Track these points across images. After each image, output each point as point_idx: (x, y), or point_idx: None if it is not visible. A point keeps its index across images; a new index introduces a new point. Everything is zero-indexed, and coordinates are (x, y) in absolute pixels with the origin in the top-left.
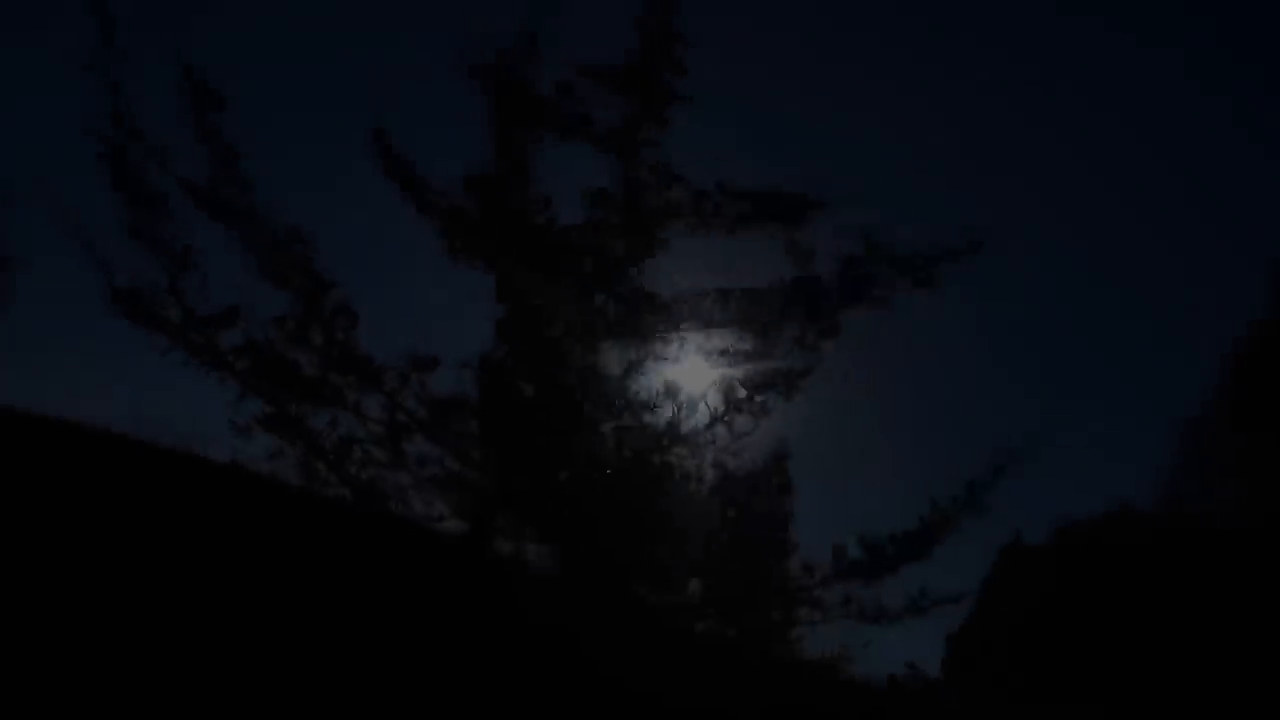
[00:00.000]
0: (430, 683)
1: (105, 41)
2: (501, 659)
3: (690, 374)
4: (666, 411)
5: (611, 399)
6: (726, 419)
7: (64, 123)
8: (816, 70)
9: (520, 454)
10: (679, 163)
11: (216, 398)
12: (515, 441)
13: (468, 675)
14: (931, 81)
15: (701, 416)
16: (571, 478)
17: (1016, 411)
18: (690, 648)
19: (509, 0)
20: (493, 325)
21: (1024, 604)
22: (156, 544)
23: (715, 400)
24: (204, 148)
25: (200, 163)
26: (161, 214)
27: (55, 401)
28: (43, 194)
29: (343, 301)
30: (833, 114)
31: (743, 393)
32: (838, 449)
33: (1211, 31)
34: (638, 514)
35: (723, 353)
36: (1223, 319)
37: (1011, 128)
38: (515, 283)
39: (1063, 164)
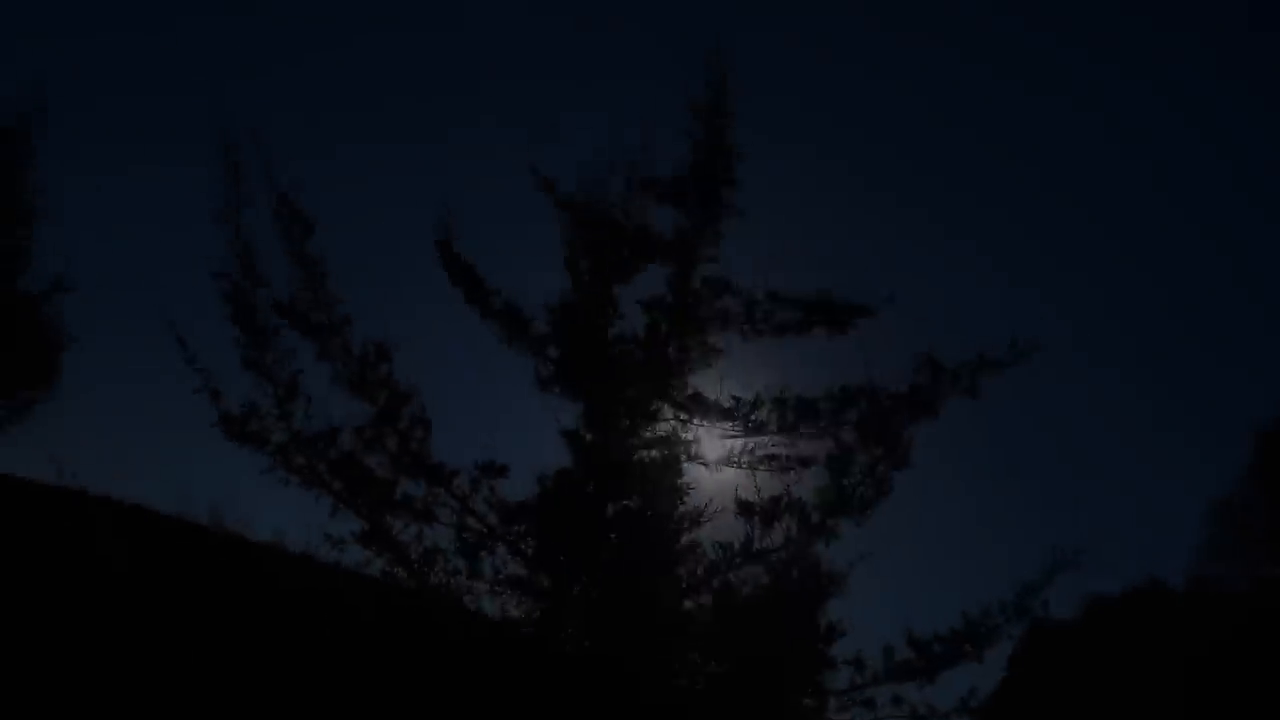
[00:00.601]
0: None
1: (232, 197)
2: None
3: (755, 483)
4: (739, 530)
5: (681, 516)
6: (798, 539)
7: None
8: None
9: (588, 563)
10: (728, 268)
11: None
12: (584, 551)
13: None
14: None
15: (775, 537)
16: (640, 590)
17: (1053, 493)
18: None
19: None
20: (559, 434)
21: (1052, 681)
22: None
23: (789, 523)
24: (296, 268)
25: (292, 282)
26: (273, 345)
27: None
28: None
29: (419, 412)
30: (872, 220)
31: (816, 516)
32: (883, 546)
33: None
34: (700, 626)
35: (779, 459)
36: (1253, 400)
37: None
38: (594, 405)
39: (1088, 260)
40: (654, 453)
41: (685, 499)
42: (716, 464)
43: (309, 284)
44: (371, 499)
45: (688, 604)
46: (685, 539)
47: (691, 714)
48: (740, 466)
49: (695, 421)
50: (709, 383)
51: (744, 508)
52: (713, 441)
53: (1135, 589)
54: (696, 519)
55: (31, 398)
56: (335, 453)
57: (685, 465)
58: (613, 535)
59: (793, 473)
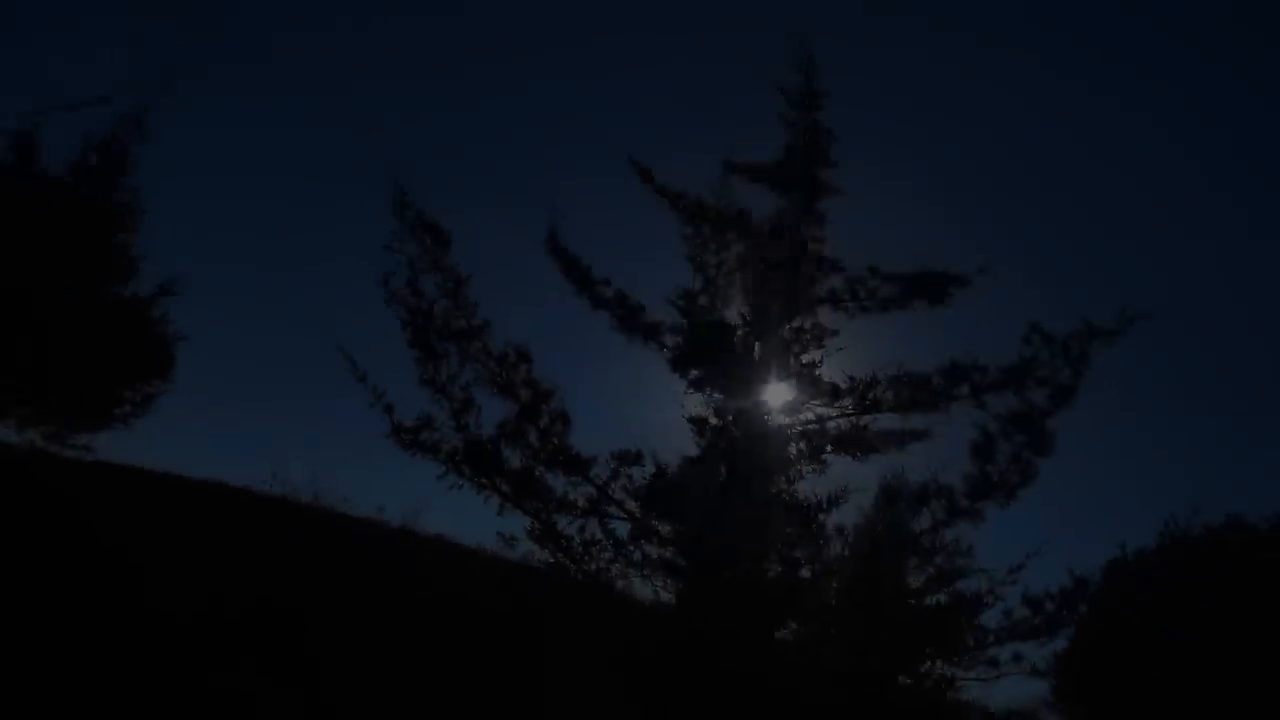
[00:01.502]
0: None
1: (404, 228)
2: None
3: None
4: (887, 516)
5: (821, 499)
6: (945, 524)
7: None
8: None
9: (724, 545)
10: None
11: None
12: (719, 533)
13: None
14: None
15: (921, 521)
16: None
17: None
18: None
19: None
20: (685, 420)
21: (1134, 619)
22: None
23: (935, 508)
24: (436, 278)
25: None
26: (447, 364)
27: None
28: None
29: (559, 407)
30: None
31: (964, 501)
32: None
33: None
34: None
35: (895, 435)
36: None
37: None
38: (716, 389)
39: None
40: (779, 434)
41: (813, 479)
42: (838, 443)
43: (449, 293)
44: (536, 498)
45: (831, 585)
46: (825, 520)
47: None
48: (861, 445)
49: (813, 401)
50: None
51: (890, 493)
52: (832, 420)
53: (1218, 526)
54: (836, 501)
55: (149, 392)
56: (504, 461)
57: (810, 446)
58: (746, 517)
59: (907, 447)
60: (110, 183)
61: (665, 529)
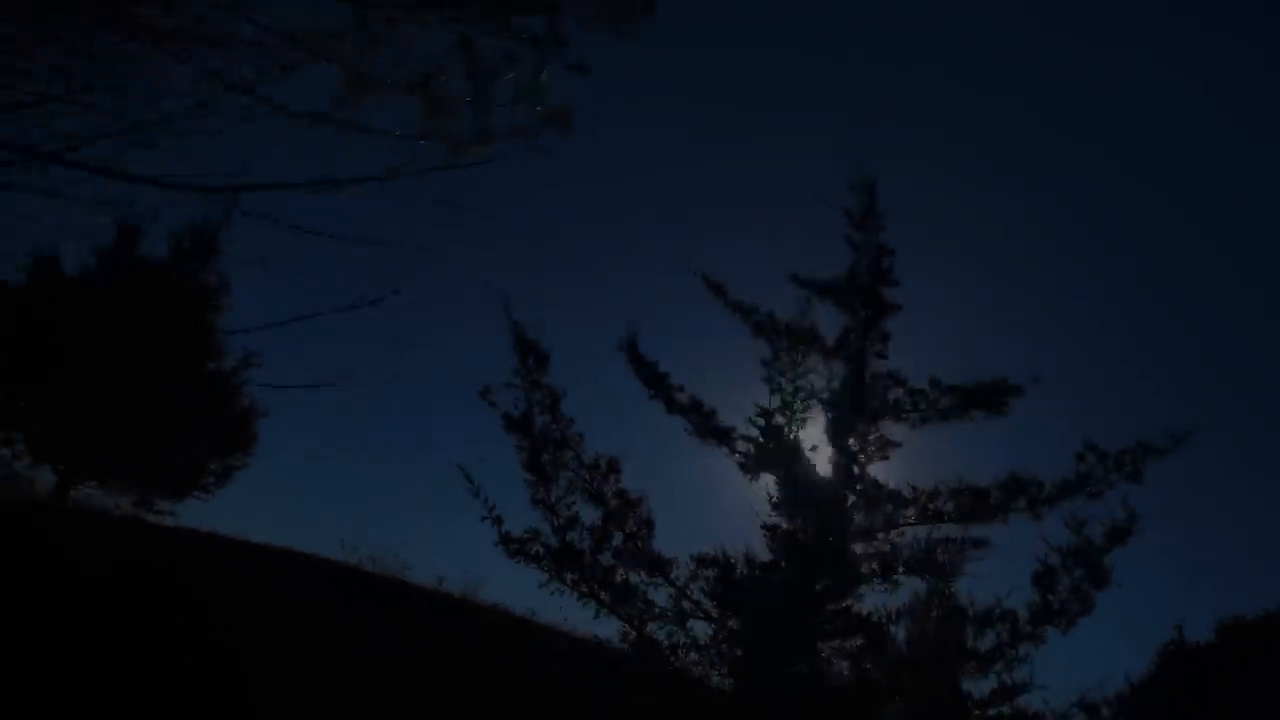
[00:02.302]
0: None
1: (526, 366)
2: None
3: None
4: (953, 635)
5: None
6: (1009, 646)
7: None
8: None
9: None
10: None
11: None
12: (790, 635)
13: None
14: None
15: (986, 640)
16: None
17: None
18: None
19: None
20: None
21: (1185, 709)
22: None
23: (1000, 629)
24: (533, 393)
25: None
26: (555, 487)
27: None
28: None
29: (645, 514)
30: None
31: (1028, 627)
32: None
33: None
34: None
35: (955, 543)
36: None
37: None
38: (787, 495)
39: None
40: (850, 546)
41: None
42: (910, 566)
43: (547, 408)
44: (631, 605)
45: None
46: (894, 632)
47: None
48: (932, 568)
49: (878, 511)
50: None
51: (956, 613)
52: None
53: (1274, 612)
54: (903, 615)
55: (233, 465)
56: (602, 571)
57: (881, 564)
58: (820, 623)
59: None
60: (202, 264)
61: (736, 625)
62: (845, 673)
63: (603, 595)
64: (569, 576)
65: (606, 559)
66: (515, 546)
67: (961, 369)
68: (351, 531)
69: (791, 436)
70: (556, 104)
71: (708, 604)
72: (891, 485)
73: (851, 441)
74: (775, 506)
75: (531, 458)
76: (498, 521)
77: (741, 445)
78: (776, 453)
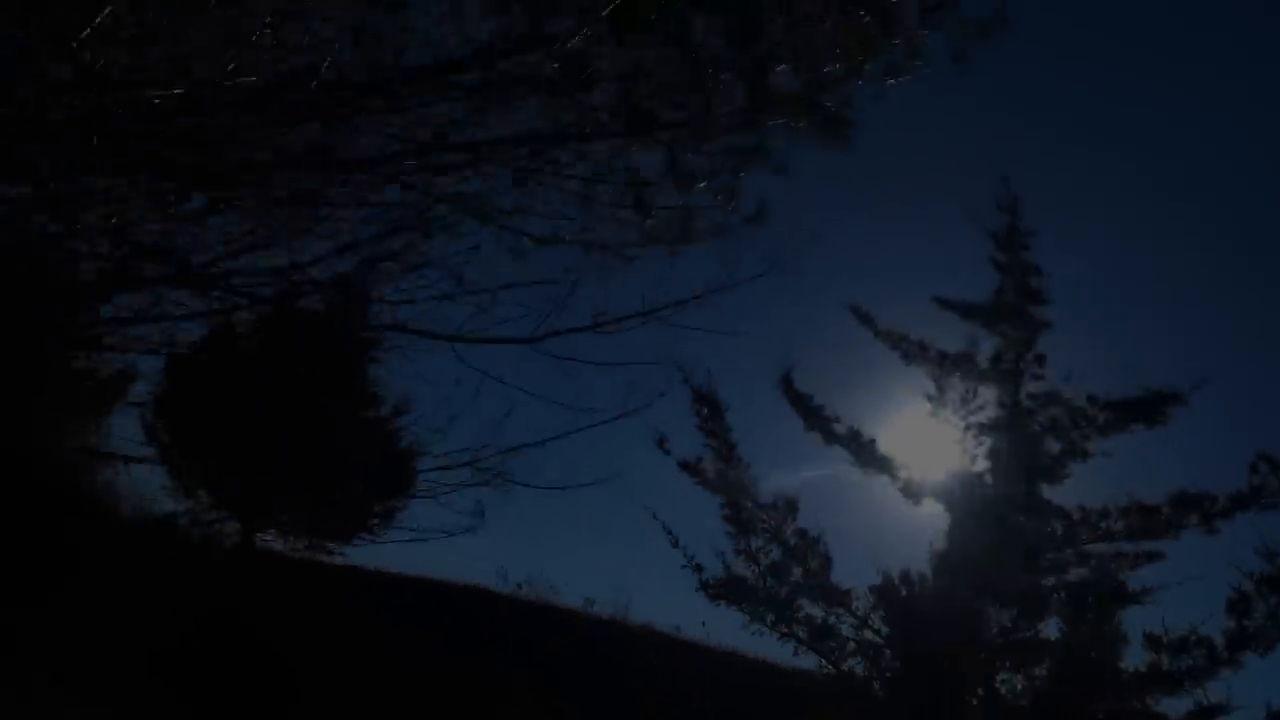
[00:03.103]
0: None
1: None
2: None
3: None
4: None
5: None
6: (1206, 673)
7: None
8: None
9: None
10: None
11: None
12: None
13: None
14: None
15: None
16: None
17: None
18: None
19: None
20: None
21: None
22: None
23: (1196, 655)
24: (710, 441)
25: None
26: (756, 537)
27: None
28: None
29: (823, 550)
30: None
31: (1225, 653)
32: None
33: None
34: None
35: (1127, 558)
36: None
37: None
38: (956, 520)
39: None
40: (1022, 566)
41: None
42: (1071, 568)
43: (724, 456)
44: (829, 641)
45: None
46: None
47: None
48: (1123, 599)
49: (1049, 529)
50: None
51: (1151, 640)
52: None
53: None
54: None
55: (395, 507)
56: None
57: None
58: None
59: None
60: (357, 318)
61: (912, 652)
62: (1025, 698)
63: (801, 634)
64: (769, 618)
65: (790, 595)
66: (715, 592)
67: (1111, 376)
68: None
69: (956, 462)
70: (754, 207)
71: (887, 632)
72: (1060, 505)
73: (1016, 463)
74: (943, 533)
75: (733, 512)
76: (698, 569)
77: (903, 472)
78: (943, 480)
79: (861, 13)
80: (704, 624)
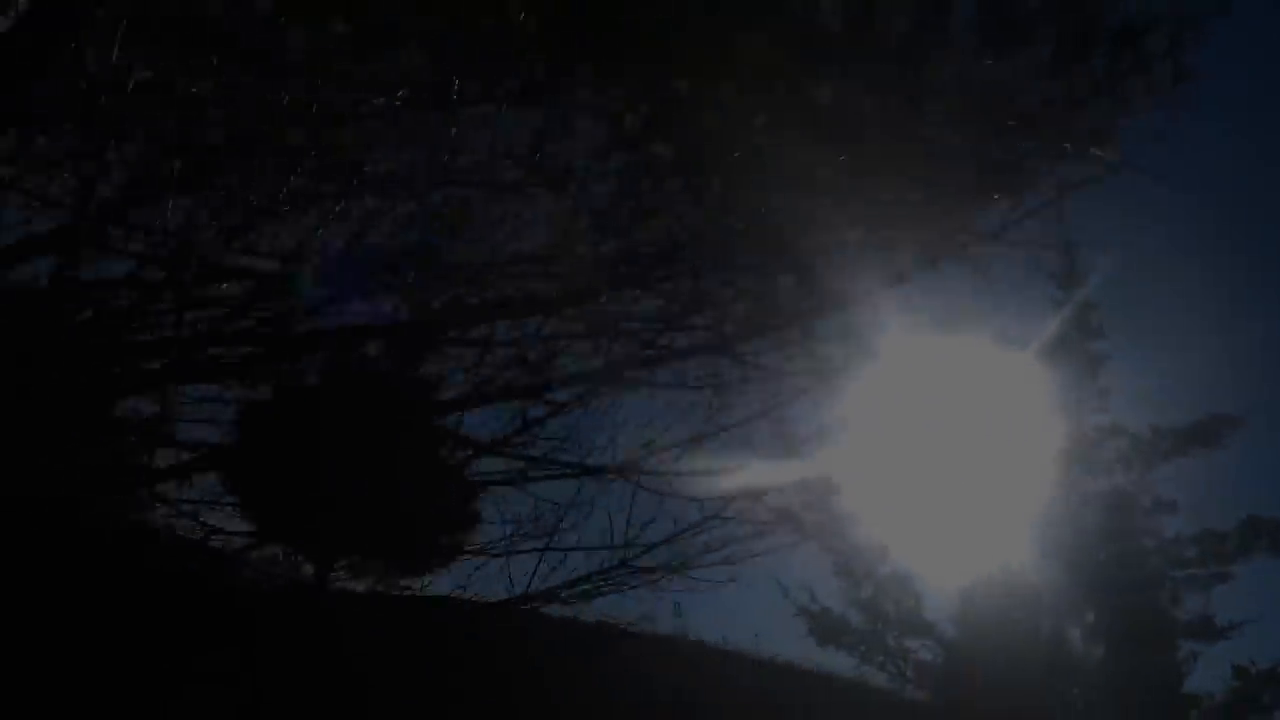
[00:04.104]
0: None
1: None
2: None
3: None
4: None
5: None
6: None
7: None
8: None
9: None
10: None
11: None
12: None
13: None
14: None
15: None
16: None
17: None
18: None
19: None
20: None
21: None
22: None
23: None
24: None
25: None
26: (864, 587)
27: None
28: None
29: (912, 588)
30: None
31: None
32: None
33: None
34: None
35: (1198, 580)
36: None
37: None
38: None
39: None
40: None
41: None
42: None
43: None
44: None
45: None
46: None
47: None
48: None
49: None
50: None
51: (1240, 672)
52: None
53: None
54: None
55: (461, 542)
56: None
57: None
58: None
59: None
60: (417, 364)
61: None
62: None
63: (908, 673)
64: (878, 659)
65: (875, 623)
66: (827, 637)
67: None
68: None
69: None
70: None
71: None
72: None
73: (1080, 495)
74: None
75: (839, 568)
76: (810, 615)
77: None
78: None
79: None
80: None
